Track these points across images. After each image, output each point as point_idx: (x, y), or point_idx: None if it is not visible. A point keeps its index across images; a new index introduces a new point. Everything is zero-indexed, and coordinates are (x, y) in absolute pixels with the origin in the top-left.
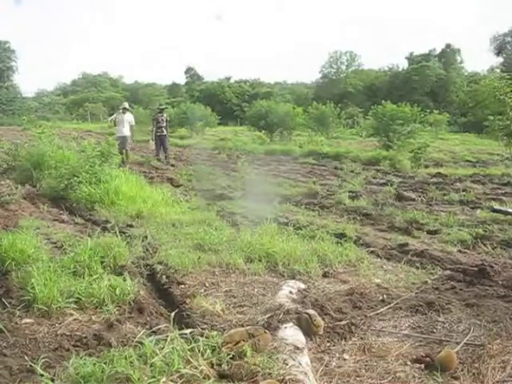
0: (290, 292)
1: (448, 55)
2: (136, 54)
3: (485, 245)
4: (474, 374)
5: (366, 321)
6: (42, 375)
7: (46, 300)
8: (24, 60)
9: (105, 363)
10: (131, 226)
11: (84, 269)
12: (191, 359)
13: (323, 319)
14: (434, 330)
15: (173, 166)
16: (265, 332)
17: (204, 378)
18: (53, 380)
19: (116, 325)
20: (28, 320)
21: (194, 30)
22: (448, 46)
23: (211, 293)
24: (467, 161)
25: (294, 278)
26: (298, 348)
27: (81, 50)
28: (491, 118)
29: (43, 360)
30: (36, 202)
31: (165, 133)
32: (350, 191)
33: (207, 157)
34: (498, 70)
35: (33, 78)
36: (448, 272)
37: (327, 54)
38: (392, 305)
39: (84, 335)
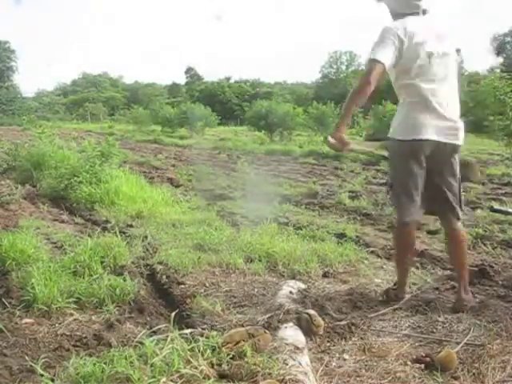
0: (290, 292)
1: None
2: (136, 54)
3: (485, 245)
4: (474, 373)
5: (366, 321)
6: (42, 375)
7: (46, 300)
8: (24, 60)
9: (105, 363)
10: (131, 226)
11: (84, 269)
12: (191, 359)
13: (323, 319)
14: (434, 330)
15: (173, 166)
16: (265, 332)
17: (204, 378)
18: (53, 380)
19: (116, 325)
20: (28, 320)
21: (194, 30)
22: None
23: (211, 293)
24: None
25: (294, 277)
26: (298, 348)
27: (81, 50)
28: (491, 118)
29: (43, 360)
30: (36, 202)
31: None
32: (350, 191)
33: (207, 157)
34: (498, 70)
35: (33, 78)
36: (448, 272)
37: (327, 54)
38: (396, 306)
39: (84, 335)
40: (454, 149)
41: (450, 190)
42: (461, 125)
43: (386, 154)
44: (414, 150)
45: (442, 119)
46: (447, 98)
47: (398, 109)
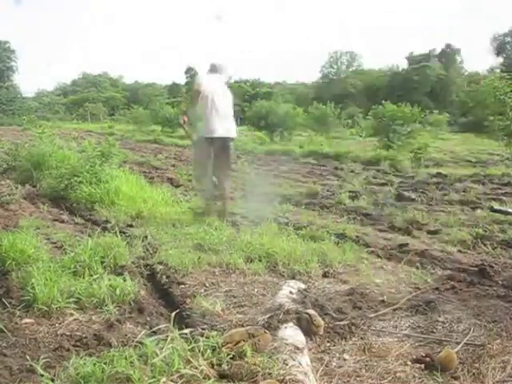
0: (290, 292)
1: (448, 55)
2: (136, 54)
3: (485, 245)
4: (473, 373)
5: (366, 321)
6: (42, 375)
7: (46, 300)
8: (24, 60)
9: (105, 363)
10: (131, 226)
11: (84, 269)
12: (191, 359)
13: (323, 319)
14: (434, 330)
15: (173, 166)
16: (265, 332)
17: (204, 378)
18: (53, 380)
19: (116, 325)
20: (28, 320)
21: (194, 29)
22: (448, 46)
23: (211, 293)
24: (467, 161)
25: (294, 277)
26: (298, 348)
27: (81, 50)
28: (491, 118)
29: (43, 360)
30: (36, 202)
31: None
32: (349, 191)
33: None
34: (498, 70)
35: (33, 78)
36: (448, 272)
37: (327, 54)
38: (397, 306)
39: (84, 335)
40: (231, 139)
41: (227, 161)
42: (233, 124)
43: (194, 142)
44: (211, 142)
45: (224, 123)
46: (225, 111)
47: (202, 118)
